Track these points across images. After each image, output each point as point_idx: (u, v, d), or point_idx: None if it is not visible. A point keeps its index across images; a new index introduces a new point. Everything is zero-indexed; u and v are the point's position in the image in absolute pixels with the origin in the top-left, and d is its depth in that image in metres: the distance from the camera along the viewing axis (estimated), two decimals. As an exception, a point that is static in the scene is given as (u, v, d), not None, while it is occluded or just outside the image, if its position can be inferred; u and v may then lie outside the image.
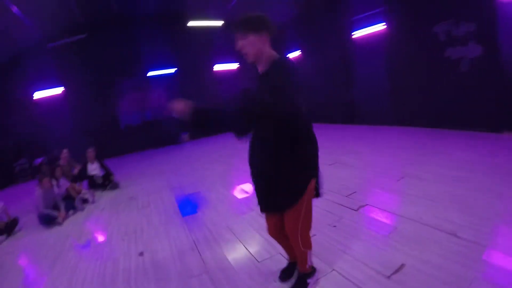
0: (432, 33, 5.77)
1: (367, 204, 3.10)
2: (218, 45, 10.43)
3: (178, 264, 2.67)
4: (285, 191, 1.65)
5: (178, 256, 2.82)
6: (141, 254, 2.99)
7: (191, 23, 8.90)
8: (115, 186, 5.92)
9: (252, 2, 8.88)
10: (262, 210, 1.81)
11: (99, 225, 4.13)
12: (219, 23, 9.22)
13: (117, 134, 10.03)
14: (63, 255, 3.28)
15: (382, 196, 3.26)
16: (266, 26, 1.59)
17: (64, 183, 5.13)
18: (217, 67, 10.89)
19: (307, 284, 2.04)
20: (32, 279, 2.91)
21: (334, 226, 2.81)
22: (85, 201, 5.15)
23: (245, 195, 4.13)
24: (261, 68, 1.64)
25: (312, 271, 2.09)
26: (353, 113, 8.23)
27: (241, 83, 10.92)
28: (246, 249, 2.71)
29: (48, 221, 4.26)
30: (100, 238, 3.66)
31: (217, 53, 10.62)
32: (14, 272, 3.09)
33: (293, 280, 2.14)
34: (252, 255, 2.58)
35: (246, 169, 1.82)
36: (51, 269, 3.02)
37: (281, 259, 2.39)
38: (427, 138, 5.54)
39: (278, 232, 1.94)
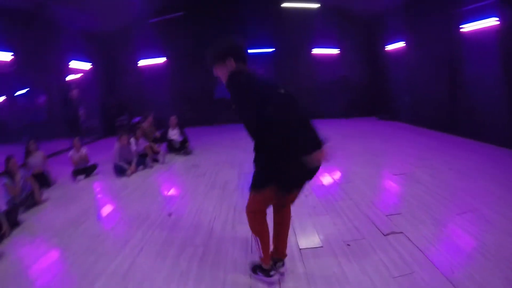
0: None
1: (401, 232, 2.69)
2: (317, 28, 10.25)
3: (190, 232, 3.11)
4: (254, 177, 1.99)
5: (195, 224, 3.27)
6: (169, 214, 3.58)
7: (285, 5, 8.98)
8: (188, 152, 6.87)
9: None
10: None
11: (156, 183, 5.09)
12: (315, 5, 9.02)
13: (210, 105, 11.20)
14: (118, 199, 4.36)
15: (426, 228, 2.74)
16: (228, 53, 1.88)
17: (143, 143, 6.23)
18: (316, 51, 10.74)
19: (256, 273, 2.22)
20: (92, 207, 4.06)
21: (348, 245, 2.60)
22: (156, 160, 6.18)
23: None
24: None
25: (262, 267, 2.18)
26: (455, 121, 6.85)
27: (340, 68, 10.48)
28: (250, 238, 2.84)
29: (119, 171, 5.46)
30: (150, 193, 4.52)
31: (316, 37, 10.46)
32: (82, 202, 4.31)
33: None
34: (250, 246, 2.72)
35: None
36: (106, 205, 4.19)
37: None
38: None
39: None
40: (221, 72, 1.92)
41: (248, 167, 5.18)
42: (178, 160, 6.38)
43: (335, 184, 4.20)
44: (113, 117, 10.18)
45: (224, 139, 8.45)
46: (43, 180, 4.85)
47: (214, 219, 3.32)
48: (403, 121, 8.81)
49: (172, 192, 4.49)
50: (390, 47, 9.31)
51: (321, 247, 2.61)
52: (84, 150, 5.64)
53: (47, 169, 5.17)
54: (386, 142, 6.30)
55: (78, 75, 9.20)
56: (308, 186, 3.94)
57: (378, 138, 6.77)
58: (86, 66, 9.45)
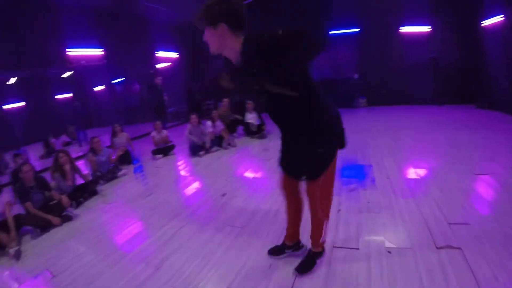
0: None
1: (459, 248, 2.14)
2: (406, 3, 8.87)
3: (234, 212, 3.27)
4: (309, 165, 1.84)
5: (242, 206, 3.41)
6: (223, 194, 3.83)
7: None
8: (263, 136, 7.02)
9: None
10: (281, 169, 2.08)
11: (224, 164, 5.39)
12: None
13: None
14: (184, 177, 4.93)
15: (493, 250, 2.07)
16: (220, 17, 1.54)
17: (220, 125, 6.62)
18: (405, 29, 9.39)
19: (315, 263, 2.15)
20: (161, 183, 4.68)
21: (389, 252, 2.24)
22: (229, 144, 6.49)
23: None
24: (234, 61, 1.66)
25: (322, 251, 2.20)
26: None
27: (431, 49, 8.97)
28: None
29: (193, 151, 5.98)
30: (216, 173, 4.85)
31: (405, 14, 9.09)
32: (154, 177, 5.02)
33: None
34: (283, 235, 2.62)
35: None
36: (172, 182, 4.76)
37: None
38: None
39: (289, 190, 2.11)
40: (211, 39, 1.62)
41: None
42: (252, 143, 6.60)
43: (402, 178, 3.63)
44: (200, 101, 11.06)
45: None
46: (126, 158, 5.74)
47: (261, 204, 3.37)
48: (505, 111, 6.96)
49: (234, 173, 4.73)
50: (487, 22, 7.31)
51: (357, 249, 2.33)
52: (164, 132, 6.37)
53: (131, 148, 6.09)
54: (477, 135, 5.03)
55: (165, 64, 10.29)
56: (370, 179, 3.68)
57: (469, 129, 5.49)
58: (173, 55, 10.48)
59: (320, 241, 2.10)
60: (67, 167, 4.00)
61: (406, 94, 9.19)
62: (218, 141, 6.28)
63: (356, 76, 9.87)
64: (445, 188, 3.18)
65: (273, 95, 1.62)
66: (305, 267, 2.12)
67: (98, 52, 7.71)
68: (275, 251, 2.35)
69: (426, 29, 8.97)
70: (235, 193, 3.81)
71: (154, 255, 2.59)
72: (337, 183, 3.61)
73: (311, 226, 2.09)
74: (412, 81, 9.13)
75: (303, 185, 2.02)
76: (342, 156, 4.53)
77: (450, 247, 2.19)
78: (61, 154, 4.02)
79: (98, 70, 8.62)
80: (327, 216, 2.03)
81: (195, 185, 4.38)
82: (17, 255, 2.90)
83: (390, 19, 9.24)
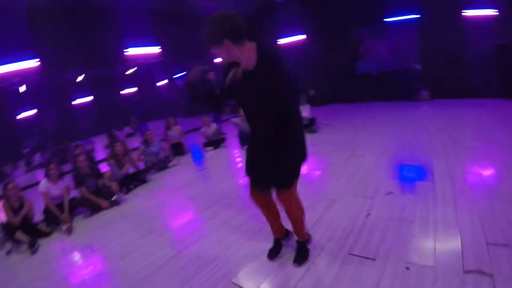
0: None
1: (491, 275, 1.78)
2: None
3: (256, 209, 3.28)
4: (286, 174, 1.97)
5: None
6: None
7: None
8: (313, 130, 6.70)
9: None
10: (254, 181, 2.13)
11: None
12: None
13: (352, 81, 10.52)
14: (229, 167, 5.23)
15: None
16: (223, 35, 1.69)
17: None
18: (468, 13, 7.99)
19: (308, 250, 2.32)
20: (203, 174, 5.05)
21: (407, 268, 2.03)
22: None
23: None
24: (246, 67, 1.80)
25: (309, 237, 2.38)
26: None
27: (499, 34, 7.50)
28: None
29: (242, 141, 5.98)
30: None
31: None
32: (200, 168, 5.39)
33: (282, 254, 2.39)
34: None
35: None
36: (212, 175, 4.99)
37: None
38: None
39: (261, 200, 2.19)
40: (221, 54, 1.81)
41: (361, 150, 4.73)
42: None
43: (449, 183, 3.13)
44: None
45: (356, 117, 7.70)
46: (179, 149, 6.18)
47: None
48: None
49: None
50: None
51: (373, 259, 2.16)
52: (214, 125, 6.65)
53: (184, 140, 6.54)
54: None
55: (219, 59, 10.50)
56: (412, 182, 3.33)
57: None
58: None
59: (304, 231, 2.29)
60: (121, 156, 4.56)
61: (472, 86, 7.82)
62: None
63: (418, 66, 8.83)
64: (496, 200, 2.66)
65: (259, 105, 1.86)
66: (302, 257, 2.27)
67: (155, 50, 8.34)
68: (273, 253, 2.38)
69: (492, 12, 7.50)
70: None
71: (183, 239, 2.86)
72: (374, 185, 3.45)
73: (291, 225, 2.26)
74: (478, 71, 7.71)
75: (274, 194, 2.10)
76: (387, 155, 4.32)
77: (480, 272, 1.87)
78: (117, 144, 4.62)
79: (157, 67, 9.31)
80: (302, 210, 2.24)
81: (236, 176, 4.50)
82: (69, 231, 3.51)
83: (452, 3, 7.97)
